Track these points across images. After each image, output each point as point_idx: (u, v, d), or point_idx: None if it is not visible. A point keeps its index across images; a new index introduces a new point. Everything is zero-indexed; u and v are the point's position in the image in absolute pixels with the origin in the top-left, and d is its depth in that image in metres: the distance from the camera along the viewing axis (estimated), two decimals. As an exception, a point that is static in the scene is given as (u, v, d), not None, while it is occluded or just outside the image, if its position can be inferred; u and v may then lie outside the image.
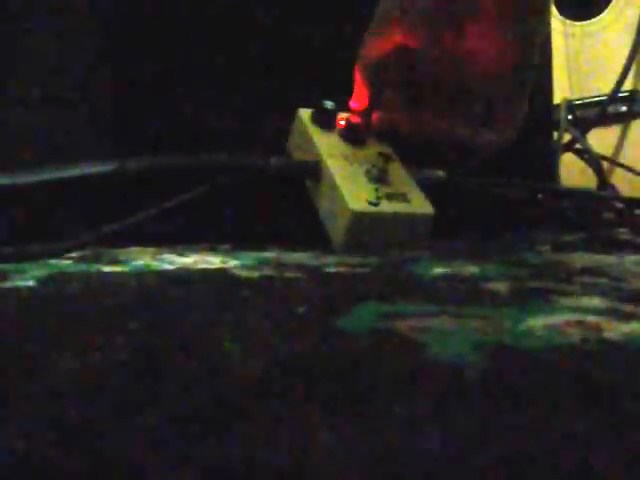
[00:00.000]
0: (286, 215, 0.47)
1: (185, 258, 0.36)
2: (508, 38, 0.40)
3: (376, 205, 0.40)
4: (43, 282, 0.28)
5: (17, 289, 0.26)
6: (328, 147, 0.44)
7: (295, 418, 0.14)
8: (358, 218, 0.40)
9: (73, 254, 0.36)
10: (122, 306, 0.24)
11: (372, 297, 0.26)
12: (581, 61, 1.14)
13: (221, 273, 0.31)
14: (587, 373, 0.17)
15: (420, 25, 0.40)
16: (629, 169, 0.98)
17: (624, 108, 1.10)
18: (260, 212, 0.47)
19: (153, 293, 0.27)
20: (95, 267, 0.32)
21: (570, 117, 1.01)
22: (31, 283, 0.27)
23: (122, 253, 0.38)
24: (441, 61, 0.41)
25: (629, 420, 0.14)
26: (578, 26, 1.15)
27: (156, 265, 0.33)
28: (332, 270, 0.33)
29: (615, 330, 0.21)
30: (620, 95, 1.06)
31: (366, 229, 0.41)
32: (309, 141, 0.44)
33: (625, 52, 1.06)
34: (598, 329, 0.21)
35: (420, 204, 0.42)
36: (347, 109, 0.46)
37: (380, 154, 0.43)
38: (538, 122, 0.67)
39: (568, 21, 1.15)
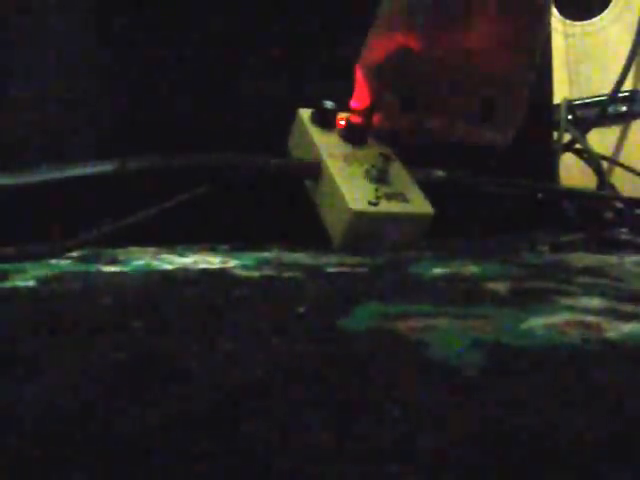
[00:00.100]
0: (286, 215, 0.47)
1: (185, 258, 0.36)
2: (508, 38, 0.40)
3: (376, 205, 0.40)
4: (43, 282, 0.28)
5: (17, 289, 0.26)
6: (328, 147, 0.44)
7: (295, 418, 0.14)
8: (358, 218, 0.40)
9: (73, 254, 0.36)
10: (122, 306, 0.24)
11: (372, 297, 0.26)
12: (581, 61, 1.14)
13: (221, 273, 0.31)
14: (587, 373, 0.17)
15: (421, 26, 0.40)
16: (629, 169, 0.98)
17: (624, 108, 1.10)
18: (260, 212, 0.47)
19: (153, 293, 0.27)
20: (95, 267, 0.32)
21: (570, 117, 1.00)
22: (31, 283, 0.27)
23: (122, 253, 0.38)
24: (442, 62, 0.41)
25: (629, 420, 0.14)
26: (578, 26, 1.15)
27: (156, 265, 0.33)
28: (332, 270, 0.33)
29: (615, 330, 0.21)
30: (620, 95, 1.06)
31: (366, 229, 0.41)
32: (309, 141, 0.44)
33: (625, 52, 1.06)
34: (598, 329, 0.21)
35: (420, 204, 0.42)
36: (347, 109, 0.46)
37: (380, 154, 0.43)
38: (538, 122, 0.67)
39: (568, 21, 1.15)
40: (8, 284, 0.27)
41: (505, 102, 0.43)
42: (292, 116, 0.47)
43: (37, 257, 0.34)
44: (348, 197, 0.40)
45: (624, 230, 0.61)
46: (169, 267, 0.33)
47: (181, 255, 0.37)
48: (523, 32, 0.40)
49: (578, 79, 1.14)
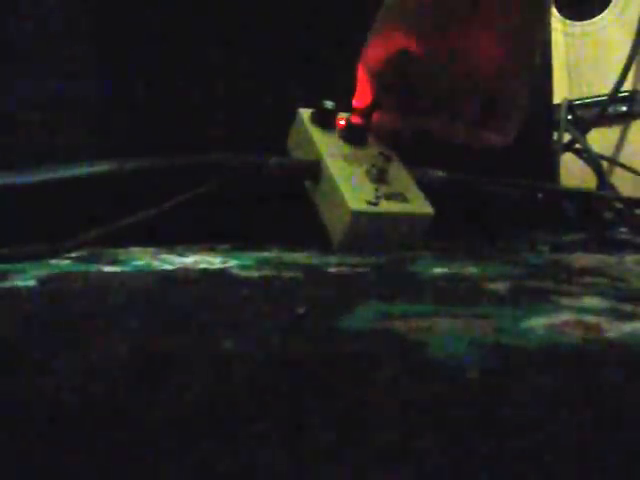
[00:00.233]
0: (286, 215, 0.47)
1: (185, 258, 0.36)
2: (508, 39, 0.40)
3: (376, 205, 0.40)
4: (43, 282, 0.28)
5: (17, 289, 0.26)
6: (328, 147, 0.44)
7: (295, 418, 0.14)
8: (358, 218, 0.40)
9: (73, 254, 0.36)
10: (122, 306, 0.24)
11: (372, 297, 0.26)
12: (581, 61, 1.14)
13: (221, 273, 0.31)
14: (587, 373, 0.17)
15: (421, 27, 0.40)
16: (629, 169, 0.98)
17: (624, 108, 1.10)
18: (260, 212, 0.47)
19: (153, 293, 0.27)
20: (95, 267, 0.32)
21: (570, 117, 1.00)
22: (31, 283, 0.27)
23: (122, 253, 0.38)
24: (442, 63, 0.41)
25: (629, 420, 0.14)
26: (578, 26, 1.15)
27: (156, 265, 0.33)
28: (332, 270, 0.33)
29: (615, 330, 0.21)
30: (620, 95, 1.06)
31: (366, 229, 0.41)
32: (309, 141, 0.44)
33: (625, 52, 1.06)
34: (598, 329, 0.21)
35: (419, 204, 0.42)
36: (347, 109, 0.46)
37: (380, 154, 0.43)
38: (538, 122, 0.67)
39: (568, 21, 1.15)
40: (8, 284, 0.27)
41: (506, 103, 0.43)
42: (292, 116, 0.47)
43: (37, 257, 0.34)
44: (348, 197, 0.40)
45: (624, 230, 0.61)
46: (169, 267, 0.33)
47: (181, 255, 0.37)
48: (523, 33, 0.40)
49: (578, 79, 1.14)
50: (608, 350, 0.19)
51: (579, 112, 1.05)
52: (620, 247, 0.50)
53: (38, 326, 0.21)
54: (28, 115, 0.45)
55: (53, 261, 0.34)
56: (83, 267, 0.32)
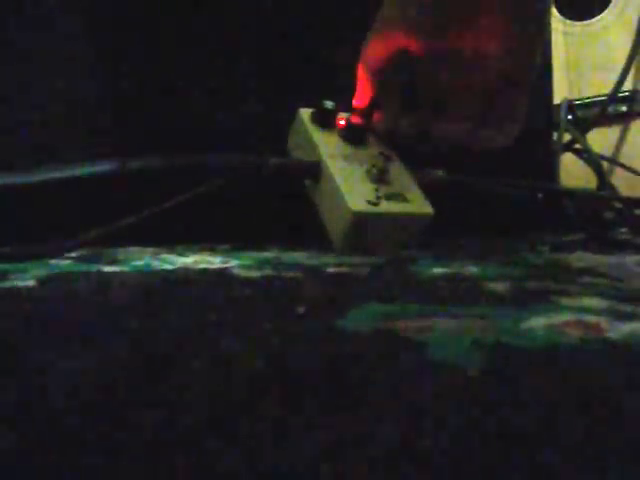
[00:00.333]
0: (286, 215, 0.47)
1: (185, 258, 0.36)
2: (509, 38, 0.40)
3: (376, 205, 0.40)
4: (43, 282, 0.28)
5: (17, 289, 0.26)
6: (328, 147, 0.44)
7: (295, 418, 0.14)
8: (358, 218, 0.40)
9: (73, 254, 0.36)
10: (122, 306, 0.24)
11: (372, 297, 0.26)
12: (581, 61, 1.14)
13: (221, 273, 0.31)
14: (587, 373, 0.17)
15: (421, 27, 0.40)
16: (629, 169, 0.98)
17: (624, 108, 1.10)
18: (260, 212, 0.47)
19: (153, 293, 0.27)
20: (95, 267, 0.32)
21: (570, 117, 1.00)
22: (31, 283, 0.27)
23: (122, 253, 0.38)
24: (443, 62, 0.41)
25: (629, 420, 0.14)
26: (578, 26, 1.15)
27: (156, 265, 0.33)
28: (332, 270, 0.33)
29: (615, 330, 0.21)
30: (620, 95, 1.06)
31: (366, 229, 0.41)
32: (309, 141, 0.44)
33: (625, 52, 1.06)
34: (598, 329, 0.21)
35: (419, 204, 0.42)
36: (347, 109, 0.46)
37: (380, 154, 0.43)
38: (538, 122, 0.67)
39: (568, 21, 1.15)
40: (8, 284, 0.27)
41: (506, 103, 0.43)
42: (292, 116, 0.47)
43: (37, 257, 0.34)
44: (348, 197, 0.40)
45: (624, 230, 0.61)
46: (169, 267, 0.33)
47: (181, 255, 0.37)
48: (524, 33, 0.40)
49: (578, 79, 1.14)
50: (608, 350, 0.19)
51: (579, 112, 1.05)
52: (620, 247, 0.50)
53: (38, 326, 0.21)
54: (28, 115, 0.45)
55: (53, 261, 0.34)
56: (83, 267, 0.32)
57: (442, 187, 0.47)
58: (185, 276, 0.31)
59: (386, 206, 0.41)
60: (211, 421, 0.14)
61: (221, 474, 0.12)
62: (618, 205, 0.64)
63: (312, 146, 0.44)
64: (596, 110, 1.06)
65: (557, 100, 0.88)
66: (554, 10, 1.13)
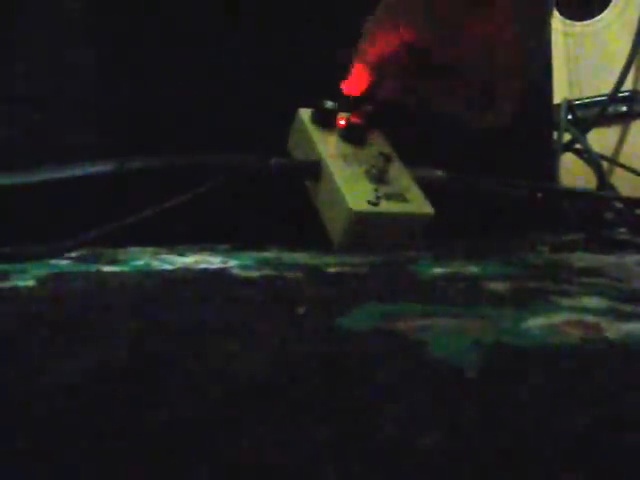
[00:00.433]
0: (286, 215, 0.47)
1: (185, 258, 0.36)
2: (507, 25, 0.40)
3: (376, 205, 0.40)
4: (43, 282, 0.28)
5: (17, 289, 0.26)
6: (328, 147, 0.44)
7: (295, 418, 0.14)
8: (358, 218, 0.40)
9: (73, 254, 0.36)
10: (122, 306, 0.24)
11: (372, 297, 0.26)
12: (581, 61, 1.14)
13: (221, 273, 0.31)
14: (587, 373, 0.17)
15: (422, 16, 0.40)
16: (629, 169, 0.98)
17: (624, 108, 1.10)
18: (260, 212, 0.47)
19: (153, 293, 0.27)
20: (95, 267, 0.32)
21: (570, 117, 1.00)
22: (31, 283, 0.27)
23: (122, 253, 0.38)
24: (442, 48, 0.42)
25: (629, 420, 0.14)
26: (578, 26, 1.15)
27: (156, 265, 0.33)
28: (332, 270, 0.33)
29: (615, 330, 0.21)
30: (620, 95, 1.06)
31: (366, 229, 0.41)
32: (309, 141, 0.44)
33: (625, 52, 1.06)
34: (598, 329, 0.21)
35: (420, 204, 0.42)
36: (347, 109, 0.46)
37: (380, 154, 0.43)
38: (538, 122, 0.67)
39: (568, 21, 1.15)
40: (8, 284, 0.27)
41: (505, 86, 0.44)
42: (292, 116, 0.47)
43: (37, 257, 0.34)
44: (348, 197, 0.40)
45: (624, 230, 0.61)
46: (169, 267, 0.33)
47: (181, 255, 0.37)
48: (521, 20, 0.41)
49: (578, 79, 1.14)
50: (608, 350, 0.19)
51: (579, 112, 1.05)
52: (620, 247, 0.50)
53: (38, 326, 0.21)
54: (28, 115, 0.45)
55: (53, 261, 0.34)
56: (83, 267, 0.32)
57: (442, 187, 0.47)
58: (185, 276, 0.31)
59: (386, 206, 0.41)
60: (211, 421, 0.14)
61: (222, 474, 0.12)
62: (618, 205, 0.64)
63: (312, 146, 0.44)
64: (596, 110, 1.06)
65: (557, 100, 0.88)
66: (554, 10, 1.13)
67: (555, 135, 0.80)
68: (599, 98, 1.09)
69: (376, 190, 0.41)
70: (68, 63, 0.46)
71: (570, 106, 1.01)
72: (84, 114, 0.46)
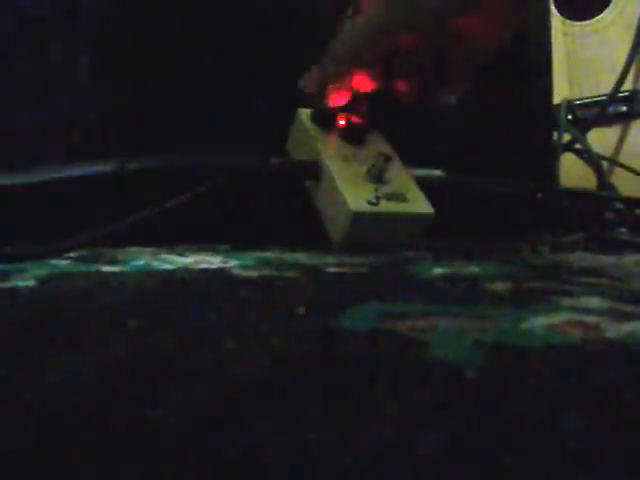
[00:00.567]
0: (286, 215, 0.47)
1: (185, 258, 0.36)
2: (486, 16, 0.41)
3: (376, 205, 0.40)
4: (43, 282, 0.28)
5: (17, 289, 0.26)
6: (328, 147, 0.44)
7: (295, 418, 0.14)
8: (358, 218, 0.40)
9: (73, 254, 0.36)
10: (122, 306, 0.24)
11: (372, 297, 0.26)
12: (581, 61, 1.14)
13: (221, 273, 0.31)
14: (587, 373, 0.17)
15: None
16: (629, 169, 0.98)
17: (624, 108, 1.10)
18: (260, 212, 0.47)
19: (153, 293, 0.27)
20: (94, 267, 0.32)
21: (570, 117, 1.00)
22: (31, 283, 0.27)
23: (122, 253, 0.38)
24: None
25: (629, 420, 0.14)
26: (578, 26, 1.15)
27: (156, 265, 0.33)
28: (332, 270, 0.33)
29: (615, 330, 0.21)
30: (620, 95, 1.06)
31: (366, 229, 0.41)
32: (309, 141, 0.44)
33: (625, 52, 1.06)
34: (598, 329, 0.21)
35: (420, 204, 0.42)
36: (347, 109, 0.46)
37: (380, 154, 0.43)
38: (538, 122, 0.67)
39: (568, 21, 1.15)
40: (8, 284, 0.27)
41: (457, 66, 0.44)
42: (292, 116, 0.47)
43: (37, 257, 0.34)
44: (348, 197, 0.40)
45: (624, 230, 0.61)
46: (169, 267, 0.33)
47: (181, 255, 0.37)
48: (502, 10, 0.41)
49: (578, 79, 1.14)
50: (608, 350, 0.19)
51: (579, 112, 1.05)
52: (620, 247, 0.50)
53: (38, 326, 0.21)
54: (28, 115, 0.45)
55: (53, 261, 0.34)
56: (83, 267, 0.32)
57: (442, 187, 0.47)
58: (185, 276, 0.31)
59: (386, 206, 0.41)
60: (211, 421, 0.14)
61: (221, 474, 0.12)
62: (618, 205, 0.64)
63: (312, 146, 0.44)
64: (596, 110, 1.06)
65: (557, 100, 0.88)
66: (554, 10, 1.13)
67: (555, 135, 0.80)
68: (599, 98, 1.09)
69: (376, 190, 0.41)
70: (68, 63, 0.46)
71: (570, 106, 1.01)
72: (84, 114, 0.46)
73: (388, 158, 0.43)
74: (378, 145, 0.46)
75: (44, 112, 0.45)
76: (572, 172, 0.93)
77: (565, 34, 1.15)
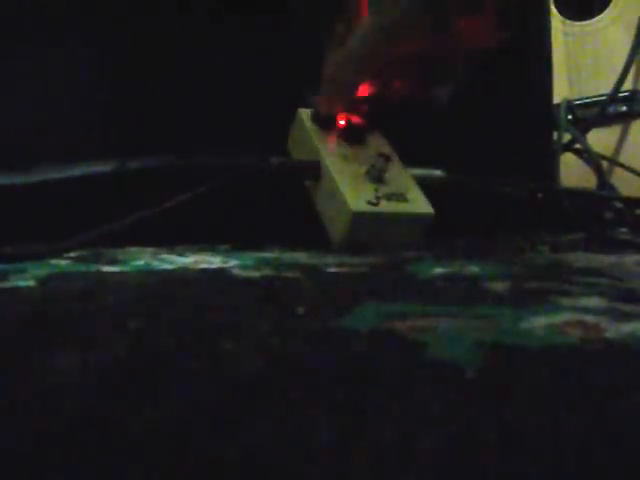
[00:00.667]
0: (286, 215, 0.47)
1: (185, 258, 0.36)
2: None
3: (376, 205, 0.40)
4: (43, 282, 0.28)
5: (17, 289, 0.26)
6: (328, 147, 0.44)
7: (295, 418, 0.14)
8: (358, 218, 0.40)
9: (73, 254, 0.36)
10: (122, 306, 0.24)
11: (372, 297, 0.26)
12: (581, 61, 1.14)
13: (221, 273, 0.31)
14: (587, 373, 0.17)
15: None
16: (629, 169, 0.98)
17: (624, 108, 1.10)
18: (260, 212, 0.47)
19: (153, 293, 0.27)
20: (95, 267, 0.32)
21: (570, 117, 1.00)
22: (31, 283, 0.27)
23: (122, 253, 0.38)
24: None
25: (629, 420, 0.14)
26: (578, 26, 1.15)
27: (156, 265, 0.33)
28: (332, 270, 0.33)
29: (615, 330, 0.21)
30: (620, 95, 1.06)
31: (366, 229, 0.41)
32: (309, 141, 0.44)
33: (625, 52, 1.06)
34: (598, 329, 0.21)
35: (419, 204, 0.42)
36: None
37: (380, 154, 0.43)
38: (538, 122, 0.67)
39: (568, 21, 1.15)
40: (8, 284, 0.27)
41: (442, 70, 0.45)
42: (292, 116, 0.47)
43: (37, 257, 0.34)
44: (348, 197, 0.40)
45: (624, 230, 0.61)
46: (169, 267, 0.33)
47: (181, 255, 0.37)
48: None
49: (578, 79, 1.14)
50: (608, 350, 0.19)
51: (579, 112, 1.05)
52: (620, 247, 0.50)
53: (38, 326, 0.21)
54: (28, 115, 0.45)
55: (53, 261, 0.34)
56: (83, 267, 0.32)
57: (442, 187, 0.47)
58: (185, 276, 0.31)
59: (386, 206, 0.41)
60: (211, 422, 0.14)
61: (221, 474, 0.12)
62: (618, 205, 0.64)
63: (312, 146, 0.44)
64: (596, 110, 1.06)
65: (557, 100, 0.88)
66: (554, 10, 1.13)
67: (555, 135, 0.80)
68: (599, 98, 1.09)
69: (376, 190, 0.41)
70: (68, 63, 0.46)
71: (570, 106, 1.01)
72: (84, 114, 0.46)
73: (388, 158, 0.43)
74: (378, 145, 0.46)
75: (44, 112, 0.45)
76: (572, 172, 0.93)
77: (565, 34, 1.15)
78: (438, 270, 0.33)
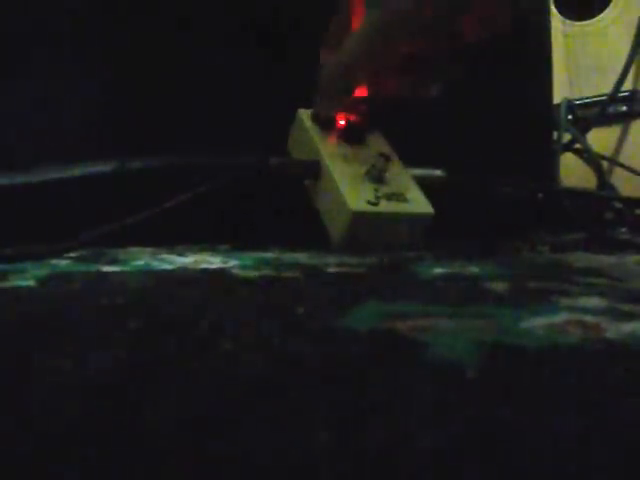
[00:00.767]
0: (286, 215, 0.47)
1: (185, 258, 0.36)
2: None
3: (376, 205, 0.40)
4: (43, 282, 0.28)
5: (17, 289, 0.26)
6: (328, 147, 0.44)
7: (295, 418, 0.14)
8: (358, 218, 0.40)
9: (73, 254, 0.36)
10: (122, 306, 0.24)
11: (372, 297, 0.26)
12: (581, 61, 1.14)
13: (221, 273, 0.31)
14: (587, 373, 0.17)
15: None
16: (629, 169, 0.98)
17: (624, 108, 1.10)
18: (260, 212, 0.47)
19: (153, 293, 0.27)
20: (95, 267, 0.32)
21: (570, 117, 1.01)
22: (31, 283, 0.27)
23: (122, 253, 0.38)
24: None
25: (629, 420, 0.14)
26: (578, 26, 1.15)
27: (156, 265, 0.33)
28: (332, 270, 0.33)
29: (615, 330, 0.21)
30: (620, 95, 1.06)
31: (366, 229, 0.41)
32: (309, 141, 0.44)
33: (625, 52, 1.06)
34: (598, 329, 0.21)
35: (419, 204, 0.42)
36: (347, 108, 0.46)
37: (380, 154, 0.43)
38: (538, 122, 0.67)
39: (568, 21, 1.15)
40: (8, 284, 0.27)
41: (425, 65, 0.44)
42: (292, 116, 0.47)
43: (37, 257, 0.34)
44: (348, 197, 0.40)
45: (624, 230, 0.61)
46: (169, 267, 0.33)
47: (181, 255, 0.37)
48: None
49: (578, 79, 1.14)
50: (608, 350, 0.19)
51: (579, 112, 1.05)
52: (620, 247, 0.50)
53: (38, 326, 0.21)
54: (28, 115, 0.45)
55: (53, 261, 0.34)
56: (83, 267, 0.32)
57: (442, 187, 0.47)
58: (185, 276, 0.31)
59: (386, 206, 0.41)
60: (211, 422, 0.14)
61: (221, 474, 0.12)
62: (618, 205, 0.64)
63: (312, 146, 0.44)
64: (596, 110, 1.06)
65: (557, 100, 0.88)
66: (554, 10, 1.13)
67: (555, 135, 0.80)
68: (599, 98, 1.09)
69: (376, 190, 0.41)
70: (68, 63, 0.46)
71: (570, 106, 1.01)
72: (84, 114, 0.46)
73: (388, 158, 0.43)
74: (378, 145, 0.46)
75: (44, 112, 0.45)
76: (572, 172, 0.93)
77: (565, 34, 1.15)
78: (438, 270, 0.33)
